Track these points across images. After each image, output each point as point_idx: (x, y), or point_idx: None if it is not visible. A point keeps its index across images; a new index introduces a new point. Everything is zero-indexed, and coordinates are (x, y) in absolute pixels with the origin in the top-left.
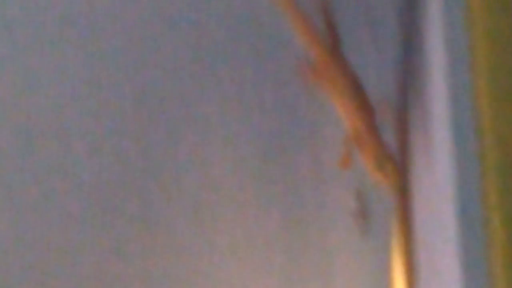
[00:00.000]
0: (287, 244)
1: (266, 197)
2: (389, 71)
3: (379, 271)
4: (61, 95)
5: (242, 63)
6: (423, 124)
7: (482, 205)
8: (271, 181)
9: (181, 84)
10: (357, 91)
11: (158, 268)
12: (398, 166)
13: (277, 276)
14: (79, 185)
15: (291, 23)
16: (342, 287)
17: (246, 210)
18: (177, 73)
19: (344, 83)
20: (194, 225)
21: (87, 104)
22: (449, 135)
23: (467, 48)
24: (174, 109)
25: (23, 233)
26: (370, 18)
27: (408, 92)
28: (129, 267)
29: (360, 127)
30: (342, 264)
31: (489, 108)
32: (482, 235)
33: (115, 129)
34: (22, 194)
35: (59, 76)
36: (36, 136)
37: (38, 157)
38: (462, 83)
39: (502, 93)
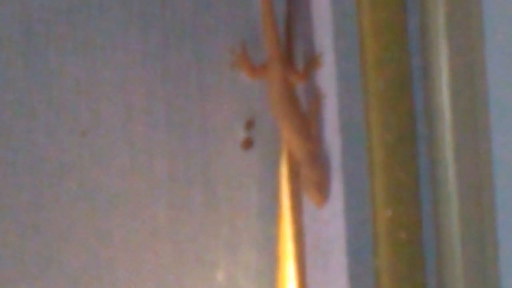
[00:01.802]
0: (171, 172)
1: (152, 122)
2: None
3: (266, 205)
4: None
5: None
6: None
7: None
8: (157, 107)
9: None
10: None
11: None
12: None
13: (161, 207)
14: None
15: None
16: (229, 219)
17: (132, 141)
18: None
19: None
20: (79, 144)
21: None
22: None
23: None
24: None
25: None
26: None
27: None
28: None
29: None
30: (227, 195)
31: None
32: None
33: None
34: None
35: None
36: None
37: None
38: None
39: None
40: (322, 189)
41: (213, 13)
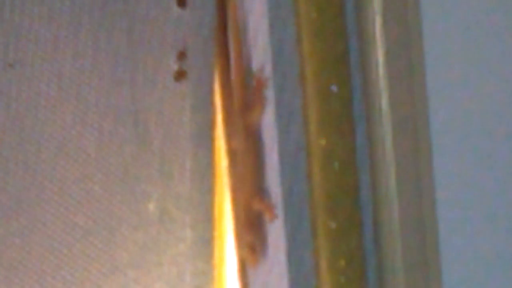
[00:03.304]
0: (100, 104)
1: (79, 51)
2: None
3: (199, 136)
4: None
5: None
6: None
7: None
8: (84, 37)
9: None
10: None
11: None
12: None
13: (90, 138)
14: None
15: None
16: (160, 150)
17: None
18: None
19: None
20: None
21: None
22: None
23: None
24: None
25: None
26: None
27: None
28: None
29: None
30: (159, 126)
31: None
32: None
33: None
34: None
35: None
36: None
37: None
38: None
39: None
40: (256, 252)
41: None
